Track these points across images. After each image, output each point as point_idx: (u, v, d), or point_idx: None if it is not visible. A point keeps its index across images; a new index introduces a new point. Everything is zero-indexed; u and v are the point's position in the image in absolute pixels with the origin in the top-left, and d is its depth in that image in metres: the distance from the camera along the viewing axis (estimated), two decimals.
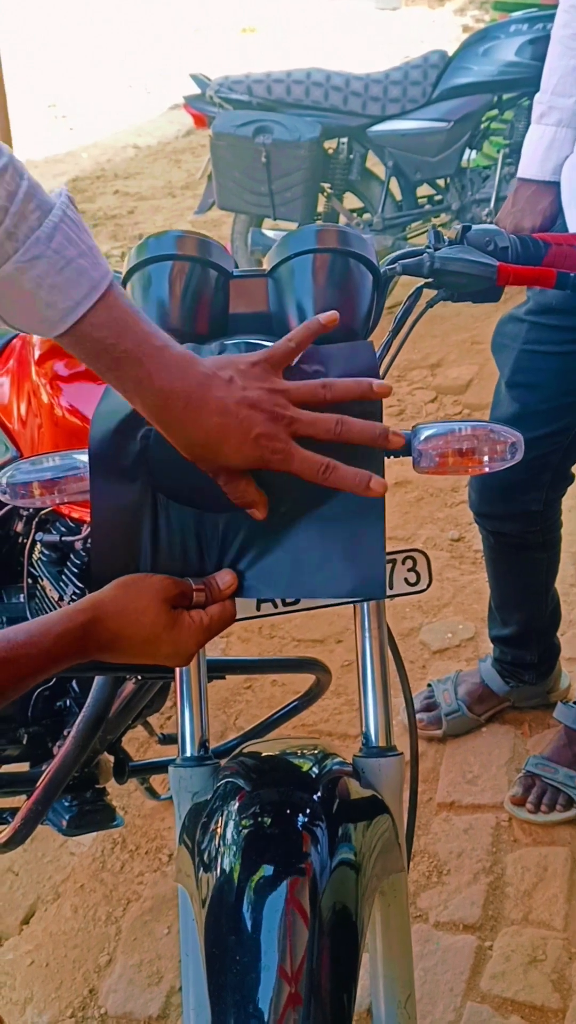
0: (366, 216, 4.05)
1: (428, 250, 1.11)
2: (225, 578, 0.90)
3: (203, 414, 0.82)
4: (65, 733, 1.48)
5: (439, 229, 1.14)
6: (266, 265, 1.03)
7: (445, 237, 1.14)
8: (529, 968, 1.57)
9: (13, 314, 0.81)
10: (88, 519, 1.39)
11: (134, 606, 0.84)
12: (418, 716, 2.01)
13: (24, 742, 1.51)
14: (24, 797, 1.41)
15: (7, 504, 1.56)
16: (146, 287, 1.01)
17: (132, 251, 1.03)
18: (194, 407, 0.82)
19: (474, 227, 1.14)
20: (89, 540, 1.42)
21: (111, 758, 1.57)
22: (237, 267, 1.02)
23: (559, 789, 1.81)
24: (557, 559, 1.90)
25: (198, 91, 3.94)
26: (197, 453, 0.85)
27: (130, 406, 0.87)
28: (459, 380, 3.52)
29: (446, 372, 3.60)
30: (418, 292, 1.14)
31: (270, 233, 1.19)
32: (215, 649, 2.36)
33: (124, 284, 1.03)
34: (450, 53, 3.83)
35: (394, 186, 3.97)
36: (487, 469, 0.99)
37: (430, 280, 1.12)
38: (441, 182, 4.01)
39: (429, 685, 2.10)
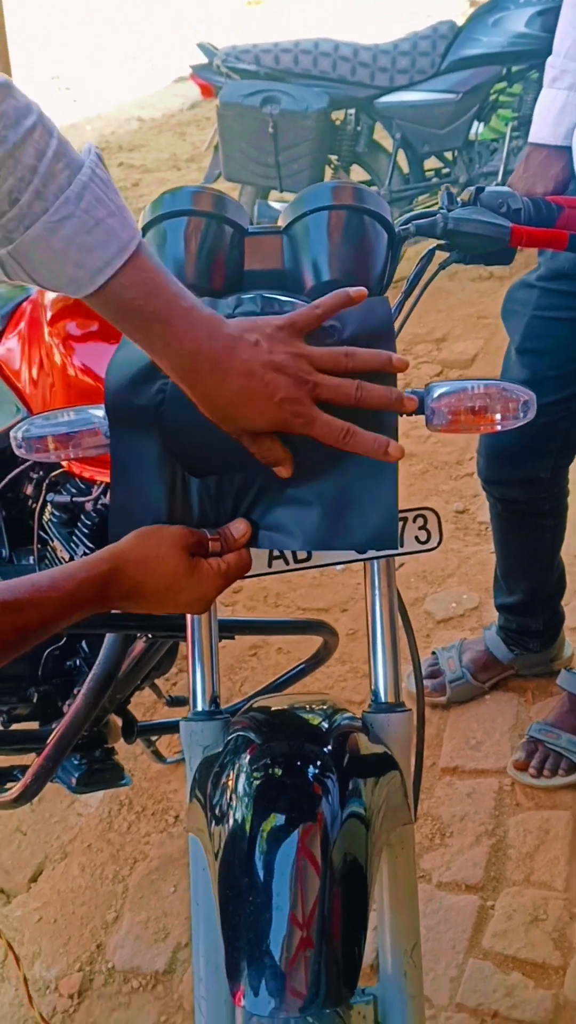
0: (373, 188, 4.03)
1: (442, 211, 1.11)
2: (240, 527, 0.92)
3: (229, 376, 0.83)
4: (75, 692, 1.50)
5: (452, 191, 1.14)
6: (281, 222, 1.03)
7: (458, 199, 1.14)
8: (530, 927, 1.60)
9: (42, 275, 0.81)
10: (98, 479, 1.41)
11: (154, 554, 0.85)
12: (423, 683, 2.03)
13: (34, 701, 1.52)
14: (34, 755, 1.43)
15: (17, 467, 1.57)
16: (161, 243, 1.01)
17: (147, 207, 1.03)
18: (220, 368, 0.83)
19: (488, 189, 1.14)
20: (99, 501, 1.43)
21: (119, 720, 1.59)
22: (253, 223, 1.02)
23: (561, 754, 1.83)
24: (563, 527, 1.91)
25: (205, 60, 3.92)
26: (220, 414, 0.86)
27: (146, 357, 0.87)
28: (464, 354, 3.52)
29: (451, 346, 3.60)
30: (431, 254, 1.15)
31: (276, 204, 1.19)
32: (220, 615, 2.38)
33: None
34: (459, 24, 3.80)
35: (401, 158, 3.96)
36: (499, 427, 0.99)
37: (443, 242, 1.13)
38: (449, 155, 3.99)
39: (434, 653, 2.12)
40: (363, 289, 0.88)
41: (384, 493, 0.91)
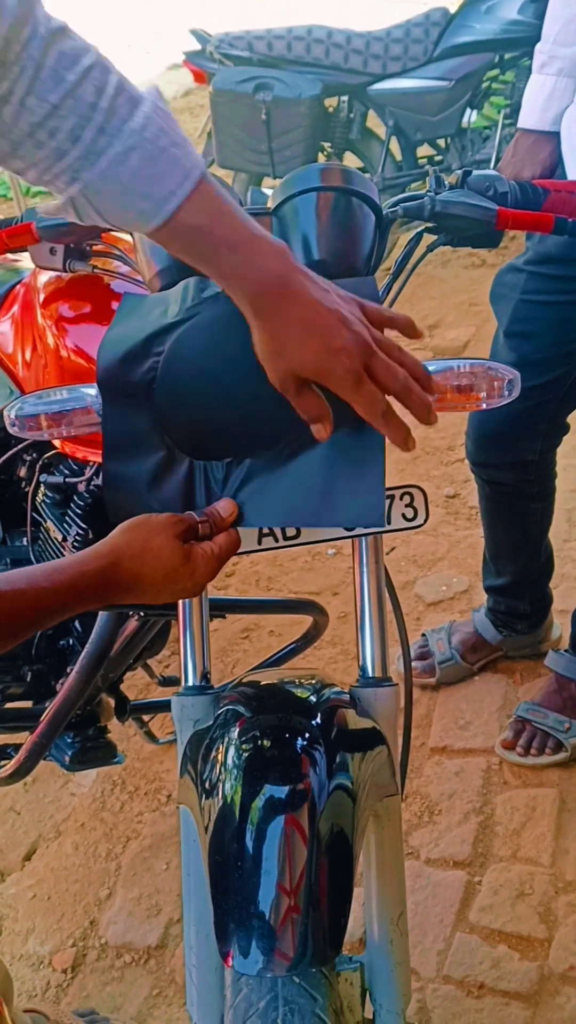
0: (366, 175, 4.03)
1: (429, 194, 1.12)
2: (227, 507, 0.94)
3: (297, 305, 0.82)
4: (68, 671, 1.52)
5: (440, 174, 1.16)
6: (270, 203, 1.04)
7: (446, 182, 1.16)
8: (517, 901, 1.63)
9: (112, 211, 0.82)
10: (91, 460, 1.42)
11: (149, 545, 0.87)
12: (413, 664, 2.06)
13: (28, 679, 1.54)
14: (28, 733, 1.45)
15: (10, 449, 1.58)
16: None
17: None
18: (291, 295, 0.82)
19: (475, 172, 1.15)
20: (92, 482, 1.44)
21: (112, 699, 1.61)
22: (242, 204, 1.04)
23: (548, 733, 1.85)
24: (551, 510, 1.93)
25: (198, 47, 3.92)
26: (275, 347, 0.84)
27: (139, 334, 0.89)
28: (457, 341, 3.54)
29: (444, 333, 3.61)
30: (419, 236, 1.16)
31: (269, 191, 1.20)
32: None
33: None
34: (452, 11, 3.80)
35: (394, 146, 3.96)
36: (484, 406, 1.01)
37: (431, 224, 1.14)
38: (441, 142, 4.00)
39: (423, 635, 2.14)
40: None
41: (371, 471, 0.93)
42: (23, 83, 0.75)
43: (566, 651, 1.95)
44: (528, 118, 1.63)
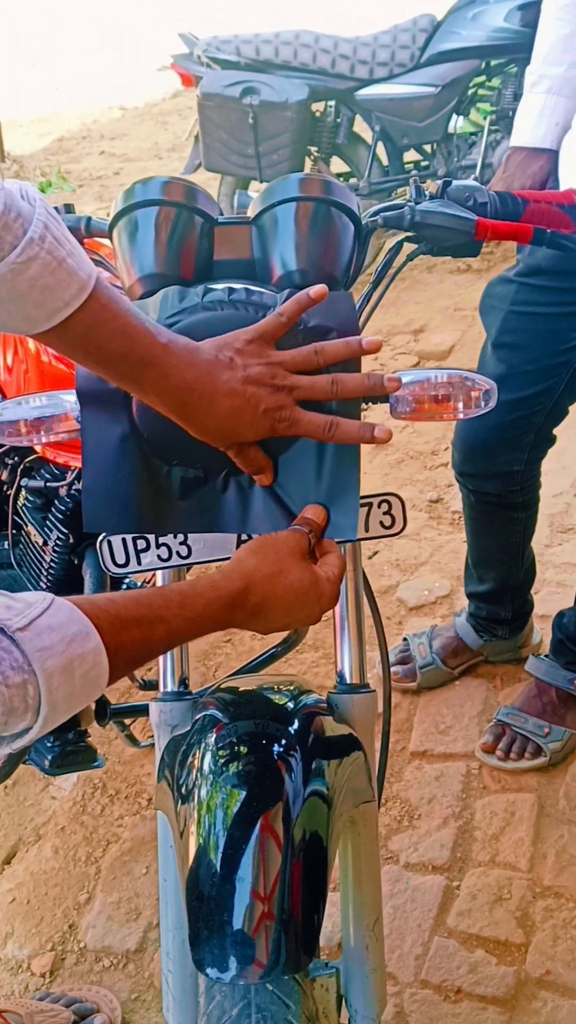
0: (352, 180, 4.05)
1: (409, 203, 1.13)
2: (319, 513, 0.93)
3: (216, 400, 0.86)
4: None
5: (420, 184, 1.16)
6: (250, 212, 1.05)
7: (426, 191, 1.16)
8: (495, 906, 1.63)
9: None
10: (72, 464, 1.42)
11: (280, 568, 0.84)
12: (393, 669, 2.06)
13: None
14: None
15: None
16: (132, 232, 1.03)
17: (119, 196, 1.05)
18: (207, 395, 0.86)
19: (455, 182, 1.16)
20: (73, 486, 1.45)
21: (92, 704, 1.61)
22: (222, 214, 1.04)
23: (528, 738, 1.87)
24: (535, 519, 1.94)
25: (186, 50, 3.92)
26: (213, 436, 0.89)
27: None
28: (441, 346, 3.55)
29: (429, 338, 3.63)
30: (399, 245, 1.17)
31: (256, 195, 1.21)
32: None
33: (111, 229, 1.05)
34: (439, 17, 3.82)
35: (381, 151, 3.98)
36: (461, 416, 1.02)
37: (410, 234, 1.15)
38: (428, 147, 4.02)
39: (404, 639, 2.15)
40: (323, 288, 0.90)
41: (345, 484, 0.94)
42: None
43: (546, 656, 1.96)
44: (520, 136, 1.64)
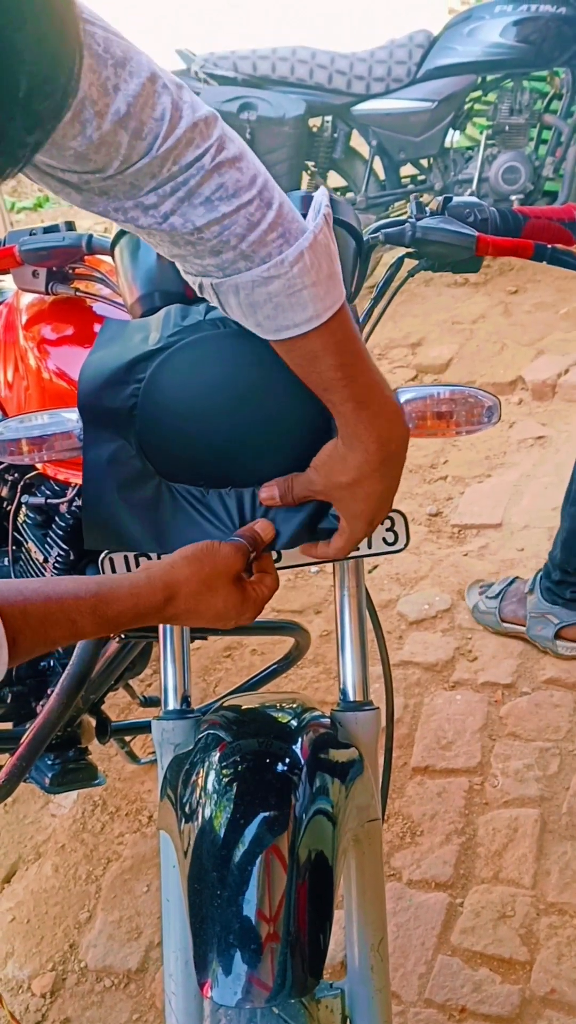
0: (349, 195, 4.07)
1: (410, 220, 1.13)
2: (266, 529, 0.94)
3: (392, 470, 0.91)
4: (49, 692, 1.51)
5: (421, 200, 1.17)
6: None
7: (427, 208, 1.17)
8: (498, 923, 1.62)
9: (232, 311, 0.82)
10: (73, 481, 1.42)
11: (208, 586, 0.85)
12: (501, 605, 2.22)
13: (8, 701, 1.53)
14: (8, 755, 1.44)
15: None
16: (135, 250, 1.03)
17: None
18: (389, 464, 0.89)
19: (456, 198, 1.16)
20: (73, 503, 1.44)
21: (93, 720, 1.60)
22: None
23: None
24: None
25: (183, 66, 3.94)
26: (351, 488, 0.90)
27: (120, 359, 0.89)
28: (439, 359, 3.55)
29: (427, 351, 3.63)
30: (400, 261, 1.17)
31: None
32: None
33: (113, 247, 1.05)
34: (435, 33, 3.84)
35: (378, 165, 3.99)
36: (464, 433, 1.02)
37: (411, 250, 1.15)
38: (424, 162, 4.04)
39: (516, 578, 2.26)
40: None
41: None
42: (170, 202, 0.73)
43: None
44: None
